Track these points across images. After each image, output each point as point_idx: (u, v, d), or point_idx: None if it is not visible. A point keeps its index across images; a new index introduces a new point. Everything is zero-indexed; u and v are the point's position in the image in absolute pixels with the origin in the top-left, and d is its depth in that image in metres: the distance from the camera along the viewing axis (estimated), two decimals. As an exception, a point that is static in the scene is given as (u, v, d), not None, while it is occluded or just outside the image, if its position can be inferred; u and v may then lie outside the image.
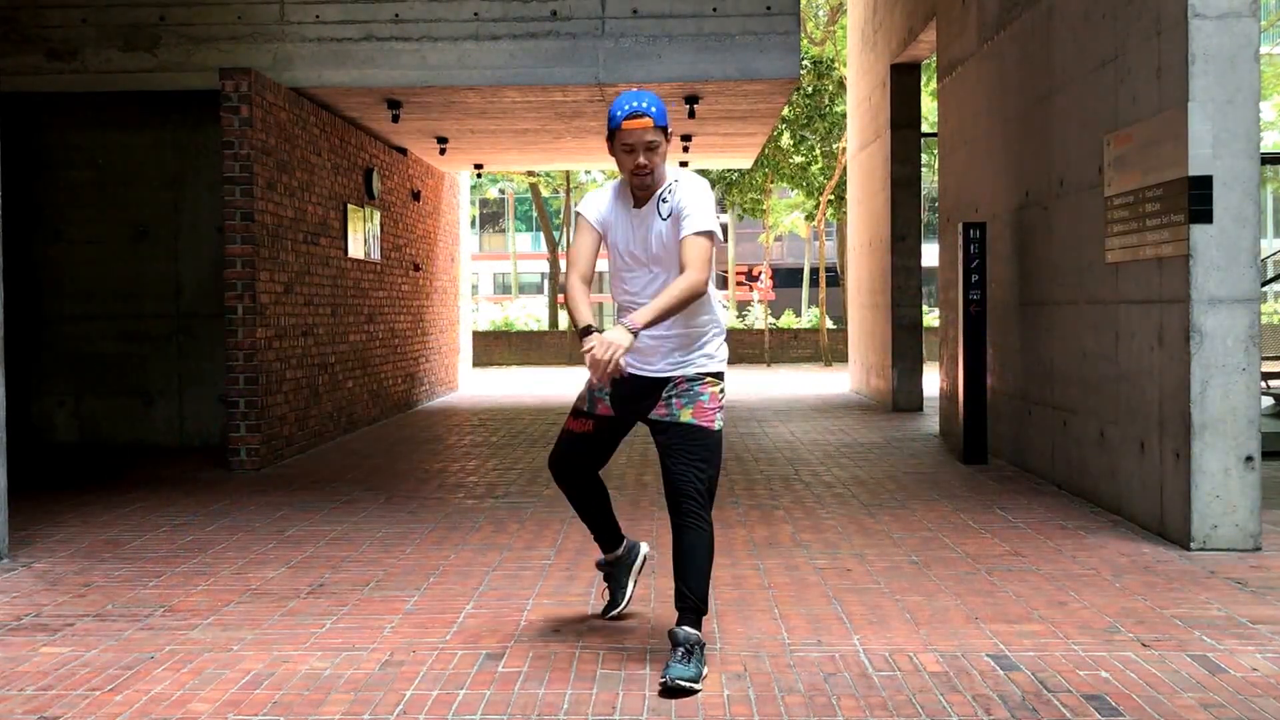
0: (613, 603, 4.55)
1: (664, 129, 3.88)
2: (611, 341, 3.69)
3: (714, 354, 4.01)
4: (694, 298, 3.82)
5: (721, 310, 4.13)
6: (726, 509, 6.88)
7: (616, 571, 4.54)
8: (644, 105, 3.85)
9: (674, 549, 3.92)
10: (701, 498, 3.86)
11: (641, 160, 3.86)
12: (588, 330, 3.81)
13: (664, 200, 3.92)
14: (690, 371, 3.97)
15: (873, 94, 14.39)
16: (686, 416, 3.90)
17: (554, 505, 7.06)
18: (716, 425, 3.93)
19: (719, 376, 4.02)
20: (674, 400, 3.94)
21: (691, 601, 3.85)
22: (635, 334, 3.74)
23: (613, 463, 7.81)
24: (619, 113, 3.86)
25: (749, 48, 9.36)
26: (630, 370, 3.92)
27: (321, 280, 10.38)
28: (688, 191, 3.89)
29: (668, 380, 3.97)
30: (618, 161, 3.95)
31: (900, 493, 7.51)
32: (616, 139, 3.89)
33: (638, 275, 4.01)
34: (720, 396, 3.98)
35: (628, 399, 4.05)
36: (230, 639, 4.33)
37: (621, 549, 4.50)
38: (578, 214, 4.08)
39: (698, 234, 3.82)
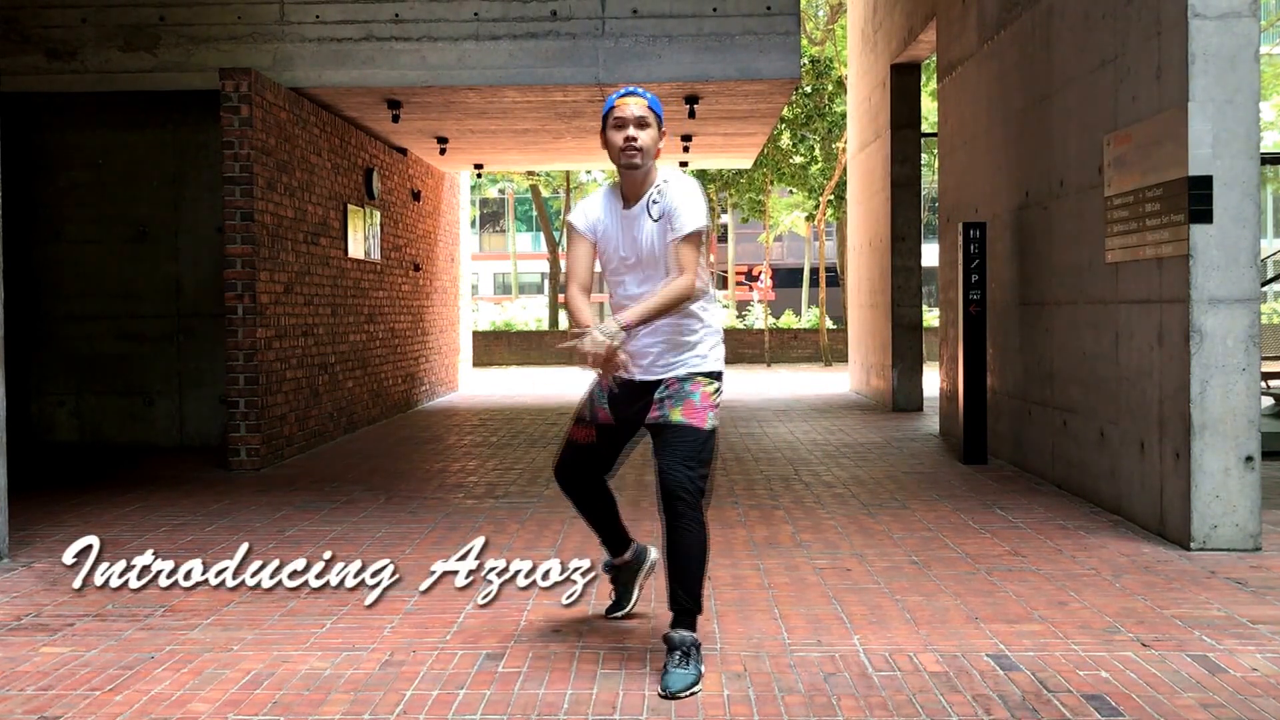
0: (618, 604, 4.55)
1: (656, 115, 3.95)
2: (600, 337, 3.73)
3: (706, 354, 4.00)
4: (683, 301, 3.85)
5: (718, 312, 4.13)
6: (726, 509, 6.88)
7: (623, 575, 4.52)
8: (637, 89, 3.98)
9: (666, 550, 3.90)
10: (691, 497, 3.81)
11: (631, 132, 3.89)
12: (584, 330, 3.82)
13: (654, 201, 3.93)
14: (681, 373, 3.96)
15: (873, 94, 14.39)
16: (676, 416, 3.87)
17: (554, 505, 7.06)
18: (708, 425, 3.88)
19: (714, 376, 3.99)
20: (665, 401, 3.92)
21: (686, 604, 3.85)
22: (626, 330, 3.77)
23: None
24: (613, 97, 3.97)
25: (749, 48, 9.36)
26: (622, 374, 3.94)
27: (321, 280, 10.38)
28: (677, 192, 3.90)
29: (659, 383, 3.97)
30: (609, 146, 3.96)
31: (900, 493, 7.51)
32: (609, 119, 3.94)
33: (631, 276, 4.01)
34: (713, 396, 3.93)
35: (623, 403, 4.06)
36: (230, 639, 4.33)
37: (629, 553, 4.45)
38: (568, 224, 4.09)
39: (688, 236, 3.85)
